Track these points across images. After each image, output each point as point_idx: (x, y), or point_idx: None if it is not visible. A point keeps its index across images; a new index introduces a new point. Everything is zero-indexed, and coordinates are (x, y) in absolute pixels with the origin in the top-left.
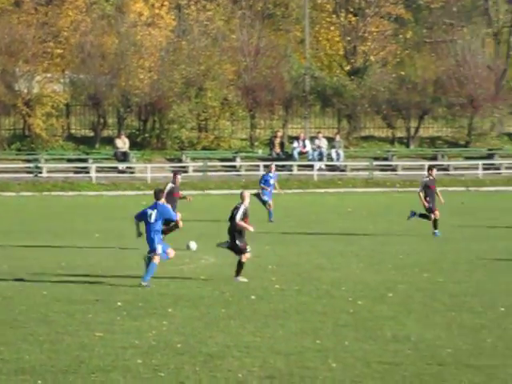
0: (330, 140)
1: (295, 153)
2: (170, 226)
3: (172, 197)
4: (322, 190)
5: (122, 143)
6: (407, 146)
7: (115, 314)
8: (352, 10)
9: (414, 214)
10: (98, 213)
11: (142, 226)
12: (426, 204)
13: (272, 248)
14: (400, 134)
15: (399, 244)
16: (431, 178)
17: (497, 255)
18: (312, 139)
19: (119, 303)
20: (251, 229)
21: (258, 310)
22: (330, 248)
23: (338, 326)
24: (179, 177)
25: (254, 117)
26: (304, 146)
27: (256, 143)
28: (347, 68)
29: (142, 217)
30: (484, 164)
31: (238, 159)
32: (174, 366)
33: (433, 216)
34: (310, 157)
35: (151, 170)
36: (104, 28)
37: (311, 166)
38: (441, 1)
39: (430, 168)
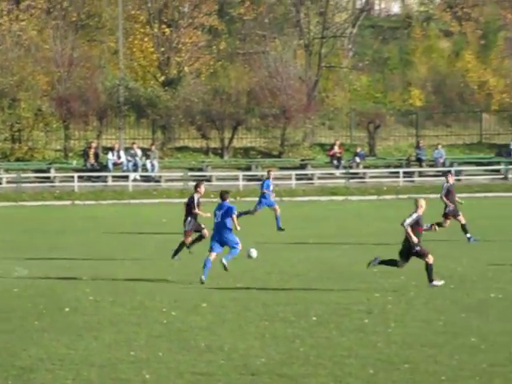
0: (145, 151)
1: (110, 164)
2: (195, 237)
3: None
4: (137, 201)
5: None
6: (221, 156)
7: None
8: (166, 20)
9: (430, 226)
10: None
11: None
12: (450, 205)
13: (86, 259)
14: (214, 144)
15: None
16: (450, 183)
17: (309, 265)
18: (127, 150)
19: None
20: (415, 239)
21: (72, 322)
22: (144, 259)
23: (152, 337)
24: (203, 186)
25: (68, 128)
26: (119, 157)
27: (70, 154)
28: (161, 79)
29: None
30: (297, 174)
31: (53, 170)
32: None
33: (446, 223)
34: (125, 168)
35: None
36: None
37: (126, 177)
38: (253, 12)
39: (447, 174)
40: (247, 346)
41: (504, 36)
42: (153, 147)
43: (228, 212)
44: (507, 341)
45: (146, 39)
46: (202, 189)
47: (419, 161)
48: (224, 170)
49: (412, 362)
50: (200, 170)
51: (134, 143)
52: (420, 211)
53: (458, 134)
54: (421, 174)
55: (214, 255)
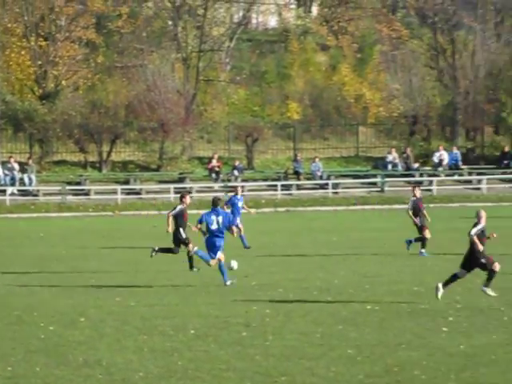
0: (23, 165)
1: None
2: (166, 248)
3: (182, 218)
4: (15, 215)
5: None
6: (100, 170)
7: None
8: (42, 34)
9: (410, 241)
10: None
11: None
12: (417, 221)
13: None
14: (92, 158)
15: (92, 268)
16: (417, 197)
17: (187, 278)
18: (4, 164)
19: None
20: (481, 247)
21: None
22: (21, 273)
23: (30, 352)
24: (188, 197)
25: None
26: None
27: None
28: (39, 92)
29: (205, 221)
30: (175, 187)
31: None
32: None
33: (425, 234)
34: (2, 182)
35: None
36: None
37: (3, 191)
38: (131, 26)
39: (414, 187)
40: (126, 360)
41: (379, 50)
42: (30, 161)
43: (228, 222)
44: (383, 352)
45: (22, 52)
46: (188, 199)
47: (297, 174)
48: (102, 183)
49: (289, 375)
50: (78, 183)
51: (11, 157)
52: (483, 221)
53: (335, 146)
54: (299, 187)
55: (222, 256)
